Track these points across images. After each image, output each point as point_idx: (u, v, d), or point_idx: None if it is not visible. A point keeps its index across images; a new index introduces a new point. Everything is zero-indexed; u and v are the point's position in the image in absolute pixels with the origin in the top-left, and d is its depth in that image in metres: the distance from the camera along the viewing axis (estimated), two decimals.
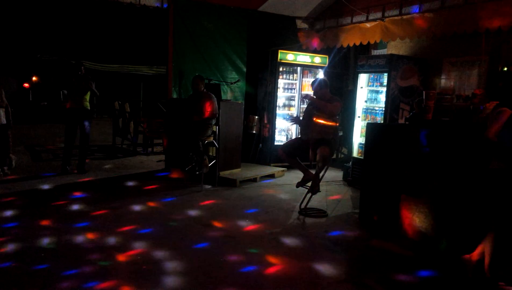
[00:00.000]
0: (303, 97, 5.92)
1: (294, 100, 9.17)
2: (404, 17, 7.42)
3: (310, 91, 6.98)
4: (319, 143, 5.71)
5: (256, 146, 9.02)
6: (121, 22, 21.00)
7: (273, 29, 9.40)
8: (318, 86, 5.92)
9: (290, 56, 8.80)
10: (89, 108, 7.81)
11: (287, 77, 8.98)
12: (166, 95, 8.54)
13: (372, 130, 5.59)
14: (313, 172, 5.91)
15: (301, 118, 6.24)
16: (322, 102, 5.79)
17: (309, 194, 5.87)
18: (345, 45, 8.81)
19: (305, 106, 7.60)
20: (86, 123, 7.71)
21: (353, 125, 8.13)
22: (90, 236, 4.64)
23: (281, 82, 8.89)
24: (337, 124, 5.84)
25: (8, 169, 7.40)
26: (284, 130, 9.20)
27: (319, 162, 5.72)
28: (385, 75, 7.39)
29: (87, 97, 7.76)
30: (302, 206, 5.88)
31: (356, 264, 4.26)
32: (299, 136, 6.28)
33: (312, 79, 8.78)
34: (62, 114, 7.83)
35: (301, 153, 6.06)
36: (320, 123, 5.71)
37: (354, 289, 3.69)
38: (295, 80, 9.08)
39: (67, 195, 6.27)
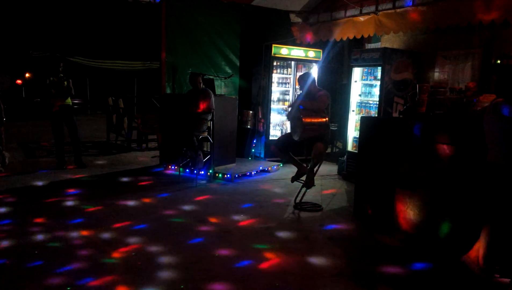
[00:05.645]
0: (288, 112, 5.83)
1: (288, 94, 9.16)
2: (398, 10, 7.41)
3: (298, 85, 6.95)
4: (313, 140, 5.70)
5: (251, 141, 9.01)
6: (114, 17, 20.90)
7: (266, 23, 9.38)
8: (304, 82, 5.89)
9: (284, 50, 8.78)
10: (71, 104, 7.88)
11: (281, 71, 8.97)
12: (159, 90, 8.51)
13: (366, 124, 5.59)
14: (308, 166, 5.91)
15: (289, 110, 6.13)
16: (309, 102, 5.76)
17: (304, 189, 5.87)
18: (338, 39, 8.79)
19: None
20: (72, 119, 7.81)
21: (347, 119, 8.13)
22: (84, 232, 4.63)
23: (275, 76, 8.88)
24: (327, 119, 5.78)
25: (1, 166, 7.36)
26: (279, 125, 9.20)
27: (314, 158, 5.72)
28: (379, 69, 7.39)
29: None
30: (297, 200, 5.89)
31: (351, 258, 4.27)
32: (291, 132, 6.22)
33: None
34: (46, 112, 7.90)
35: (295, 148, 6.05)
36: (310, 122, 5.64)
37: (349, 282, 3.70)
38: (289, 74, 9.07)
39: (61, 192, 6.25)
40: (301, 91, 6.09)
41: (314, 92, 5.85)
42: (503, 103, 3.60)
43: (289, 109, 6.14)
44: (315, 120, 5.64)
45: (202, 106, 6.95)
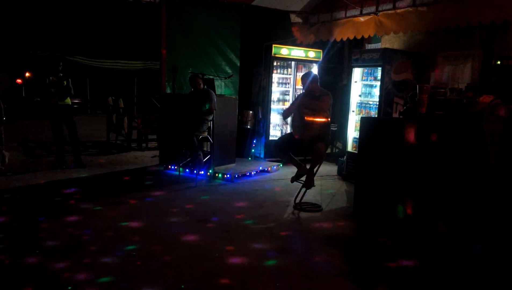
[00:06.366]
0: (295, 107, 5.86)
1: (288, 94, 9.16)
2: (398, 11, 7.41)
3: (301, 86, 7.01)
4: (313, 140, 5.71)
5: (251, 141, 9.01)
6: (114, 17, 20.89)
7: (267, 23, 9.37)
8: (307, 81, 5.90)
9: (284, 51, 8.78)
10: (70, 103, 7.88)
11: (281, 71, 8.97)
12: (159, 90, 8.51)
13: (366, 124, 5.59)
14: (308, 166, 5.91)
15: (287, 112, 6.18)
16: (311, 101, 5.76)
17: (304, 189, 5.88)
18: (338, 39, 8.80)
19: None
20: (71, 119, 7.80)
21: (347, 120, 8.13)
22: (83, 232, 4.63)
23: (275, 76, 8.88)
24: (329, 120, 5.81)
25: (1, 165, 7.36)
26: (279, 125, 9.20)
27: (315, 158, 5.72)
28: (379, 69, 7.39)
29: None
30: (297, 201, 5.89)
31: (350, 258, 4.27)
32: (291, 132, 6.25)
33: None
34: (46, 111, 7.88)
35: (295, 148, 6.05)
36: (312, 120, 5.67)
37: (348, 283, 3.70)
38: (290, 74, 9.07)
39: (60, 191, 6.25)
40: (303, 90, 6.11)
41: (316, 92, 5.86)
42: (500, 104, 3.62)
43: (288, 107, 6.16)
44: (317, 120, 5.67)
45: (205, 107, 6.99)
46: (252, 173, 7.75)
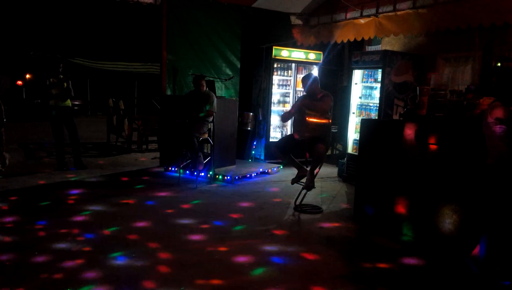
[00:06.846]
0: (295, 109, 5.86)
1: (288, 96, 9.17)
2: (398, 13, 7.43)
3: (301, 88, 7.03)
4: (314, 141, 5.72)
5: (251, 143, 9.01)
6: (115, 19, 20.95)
7: (267, 25, 9.39)
8: (308, 82, 5.91)
9: (284, 53, 8.79)
10: (70, 105, 7.89)
11: (282, 73, 8.99)
12: (160, 92, 8.52)
13: (366, 126, 5.59)
14: (308, 168, 5.92)
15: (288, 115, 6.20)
16: (312, 102, 5.79)
17: (304, 191, 5.88)
18: (339, 41, 8.81)
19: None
20: (71, 120, 7.80)
21: (347, 122, 8.14)
22: (84, 233, 4.63)
23: (275, 78, 8.89)
24: (330, 121, 5.84)
25: (1, 167, 7.36)
26: (279, 127, 9.21)
27: (315, 159, 5.73)
28: (379, 71, 7.40)
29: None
30: (297, 202, 5.89)
31: (351, 260, 4.27)
32: (292, 133, 6.26)
33: None
34: (46, 113, 7.89)
35: (295, 150, 6.06)
36: (313, 121, 5.70)
37: (349, 284, 3.70)
38: (290, 76, 9.08)
39: (61, 193, 6.25)
40: (303, 92, 6.12)
41: (316, 93, 5.87)
42: (499, 106, 3.62)
43: (289, 110, 6.17)
44: (318, 120, 5.69)
45: (207, 109, 6.99)
46: (253, 174, 7.75)
